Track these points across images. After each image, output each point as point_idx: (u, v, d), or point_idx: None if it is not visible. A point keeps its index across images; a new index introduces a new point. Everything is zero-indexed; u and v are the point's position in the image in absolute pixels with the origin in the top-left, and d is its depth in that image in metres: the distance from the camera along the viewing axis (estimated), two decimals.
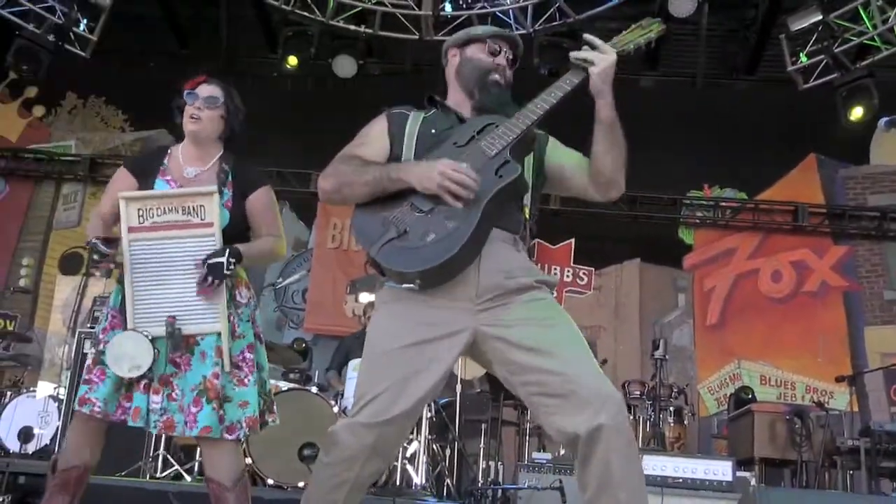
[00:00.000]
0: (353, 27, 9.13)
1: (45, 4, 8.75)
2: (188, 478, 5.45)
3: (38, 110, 10.85)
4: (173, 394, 3.03)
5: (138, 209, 3.12)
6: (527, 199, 2.70)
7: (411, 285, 2.48)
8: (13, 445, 6.94)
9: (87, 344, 5.78)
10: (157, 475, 5.49)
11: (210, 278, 3.03)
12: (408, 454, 5.61)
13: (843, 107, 8.66)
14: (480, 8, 8.76)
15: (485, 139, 2.56)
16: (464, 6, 8.86)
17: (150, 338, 2.98)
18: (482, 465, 6.67)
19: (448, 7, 8.97)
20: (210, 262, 3.04)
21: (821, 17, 8.40)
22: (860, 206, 10.00)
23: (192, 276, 3.08)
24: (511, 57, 2.82)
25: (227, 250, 3.06)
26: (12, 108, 10.84)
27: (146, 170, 3.30)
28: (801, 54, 8.77)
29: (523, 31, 8.55)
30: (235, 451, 3.13)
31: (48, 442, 6.82)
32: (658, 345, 7.74)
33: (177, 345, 3.02)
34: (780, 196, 10.08)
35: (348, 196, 2.60)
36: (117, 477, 5.20)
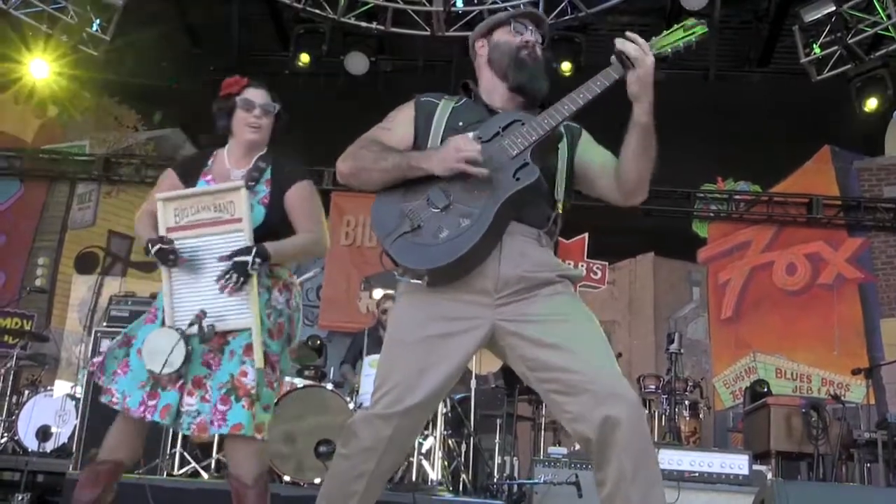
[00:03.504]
0: (364, 24, 9.11)
1: (59, 5, 8.74)
2: (205, 475, 5.48)
3: (52, 110, 10.88)
4: (206, 395, 3.02)
5: (174, 209, 3.15)
6: (559, 192, 2.66)
7: (419, 281, 2.50)
8: (32, 444, 6.98)
9: (104, 343, 5.81)
10: (175, 472, 5.52)
11: (233, 274, 3.00)
12: (424, 450, 5.62)
13: (858, 98, 8.61)
14: (492, 3, 8.74)
15: (508, 137, 2.52)
16: (475, 1, 8.84)
17: (183, 334, 2.98)
18: (498, 460, 6.66)
19: (459, 3, 8.96)
20: (235, 259, 3.02)
21: (834, 8, 8.33)
22: (875, 198, 9.96)
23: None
24: (539, 35, 2.77)
25: (254, 249, 3.03)
26: (27, 109, 10.88)
27: (191, 171, 3.32)
28: (814, 45, 8.70)
29: None
30: (259, 450, 3.12)
31: (66, 440, 6.86)
32: (673, 339, 7.75)
33: (205, 338, 3.00)
34: (794, 188, 10.03)
35: (364, 181, 2.60)
36: (135, 475, 5.22)
